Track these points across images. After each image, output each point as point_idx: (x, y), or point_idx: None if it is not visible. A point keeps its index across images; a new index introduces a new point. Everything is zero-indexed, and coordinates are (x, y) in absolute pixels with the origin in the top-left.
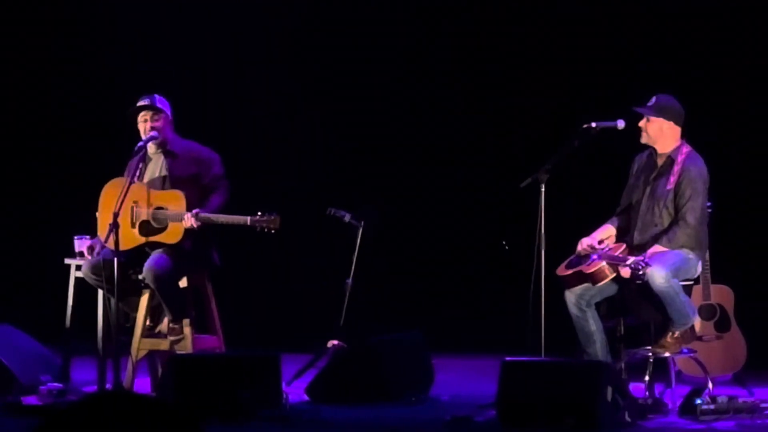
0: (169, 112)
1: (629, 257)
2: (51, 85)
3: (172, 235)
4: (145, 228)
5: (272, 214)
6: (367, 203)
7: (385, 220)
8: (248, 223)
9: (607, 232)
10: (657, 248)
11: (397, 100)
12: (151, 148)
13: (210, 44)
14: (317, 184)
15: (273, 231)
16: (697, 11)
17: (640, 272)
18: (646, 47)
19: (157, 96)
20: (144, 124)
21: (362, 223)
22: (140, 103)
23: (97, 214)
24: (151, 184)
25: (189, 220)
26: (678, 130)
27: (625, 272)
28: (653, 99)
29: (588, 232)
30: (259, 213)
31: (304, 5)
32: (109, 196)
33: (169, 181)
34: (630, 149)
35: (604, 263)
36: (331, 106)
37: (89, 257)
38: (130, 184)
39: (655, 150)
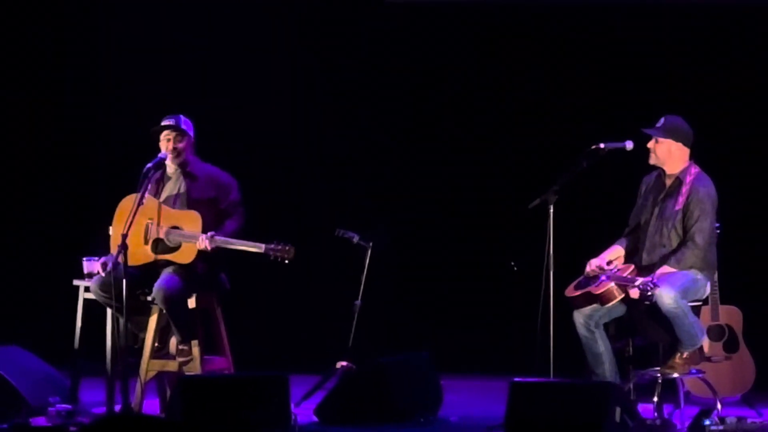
0: (192, 134)
1: (638, 278)
2: (59, 109)
3: (184, 255)
4: (158, 246)
5: (287, 244)
6: (375, 224)
7: (394, 241)
8: (262, 250)
9: (616, 252)
10: (665, 269)
11: (404, 120)
12: (170, 167)
13: (212, 53)
14: (325, 205)
15: (287, 261)
16: (706, 31)
17: (649, 293)
18: (655, 68)
19: (182, 117)
20: (167, 143)
21: (371, 244)
22: (165, 123)
23: (110, 228)
24: (166, 202)
25: (203, 242)
26: (686, 151)
27: (634, 293)
28: (662, 120)
29: (596, 253)
30: (275, 241)
31: (307, 10)
32: (125, 211)
33: (187, 201)
34: (638, 170)
35: (612, 284)
36: (339, 127)
37: (103, 274)
38: (139, 205)
39: (663, 171)
